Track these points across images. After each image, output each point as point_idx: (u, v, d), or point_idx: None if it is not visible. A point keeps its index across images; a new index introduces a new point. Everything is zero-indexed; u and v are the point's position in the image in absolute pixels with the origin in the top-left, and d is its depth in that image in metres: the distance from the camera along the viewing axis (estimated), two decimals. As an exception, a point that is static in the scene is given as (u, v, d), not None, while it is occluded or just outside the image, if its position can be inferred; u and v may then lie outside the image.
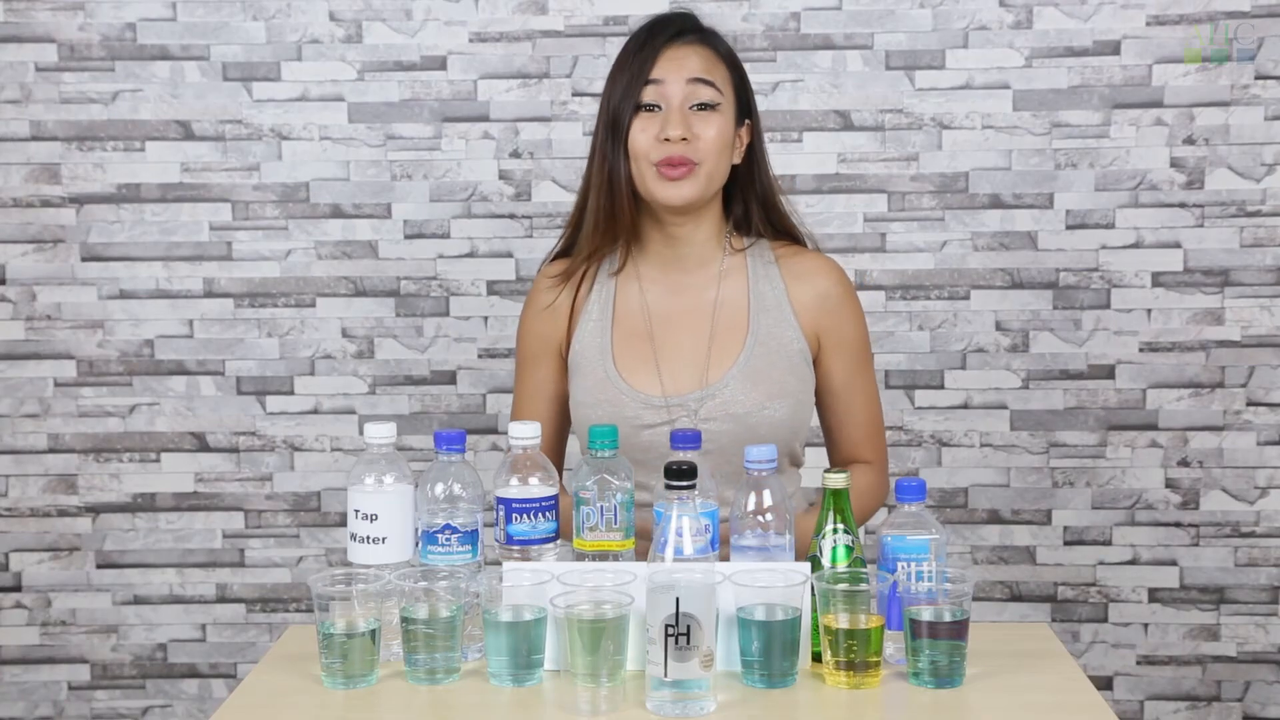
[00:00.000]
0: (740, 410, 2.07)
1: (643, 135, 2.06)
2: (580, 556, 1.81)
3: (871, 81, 3.19)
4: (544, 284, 2.20)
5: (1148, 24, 3.16)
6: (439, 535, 1.79)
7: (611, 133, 2.09)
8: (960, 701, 1.67)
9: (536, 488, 1.82)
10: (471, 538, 1.80)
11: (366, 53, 3.21)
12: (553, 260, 2.22)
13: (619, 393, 2.09)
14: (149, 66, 3.21)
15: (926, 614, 1.69)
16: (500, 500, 1.82)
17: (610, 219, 2.11)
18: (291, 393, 3.26)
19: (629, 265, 2.16)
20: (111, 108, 3.21)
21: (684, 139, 2.04)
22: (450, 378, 3.25)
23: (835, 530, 1.77)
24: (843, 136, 3.20)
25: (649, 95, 2.06)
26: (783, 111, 3.18)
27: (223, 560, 3.29)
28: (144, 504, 3.28)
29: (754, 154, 2.16)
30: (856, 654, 1.68)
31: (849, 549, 1.76)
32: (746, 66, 2.21)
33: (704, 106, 2.07)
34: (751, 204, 2.17)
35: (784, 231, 2.20)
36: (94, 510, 3.28)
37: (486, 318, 3.24)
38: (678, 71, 2.07)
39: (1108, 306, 3.20)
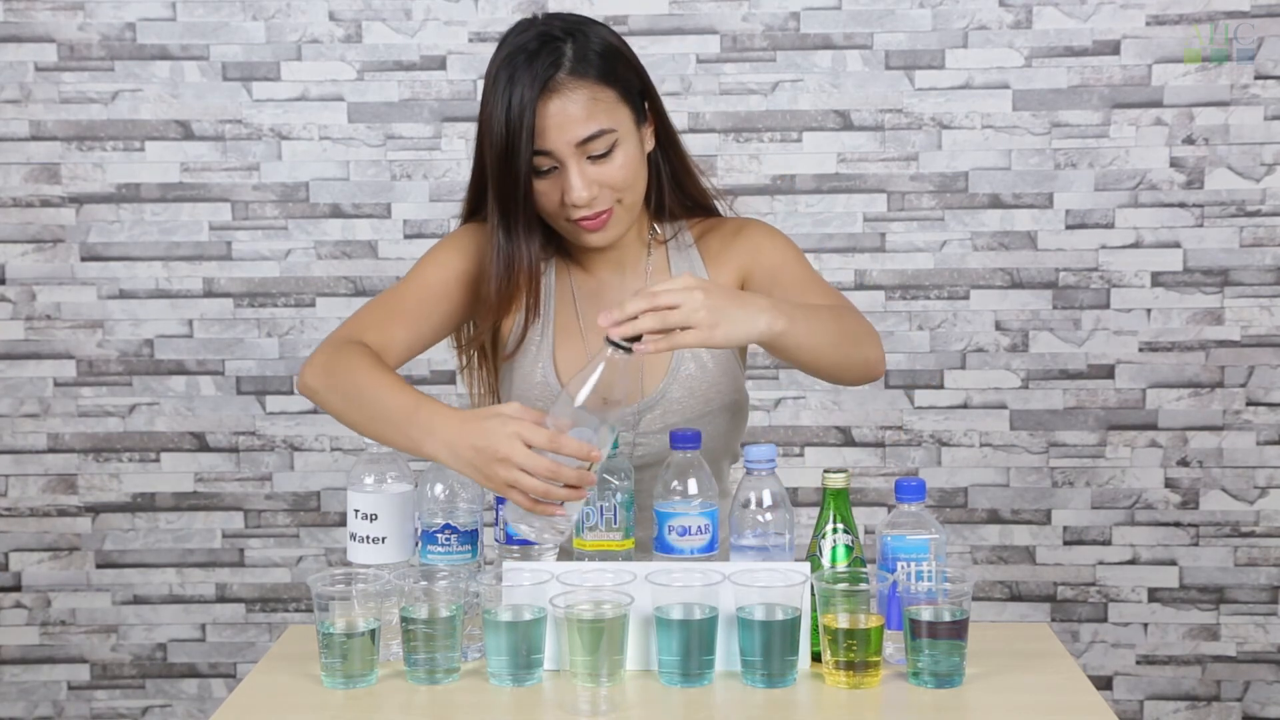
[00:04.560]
0: (679, 420, 1.99)
1: (546, 199, 1.92)
2: (580, 557, 1.81)
3: (871, 81, 3.19)
4: (478, 244, 2.00)
5: (1147, 24, 3.16)
6: (439, 535, 1.79)
7: (502, 208, 1.92)
8: (960, 701, 1.67)
9: (536, 488, 1.81)
10: (471, 538, 1.80)
11: (366, 53, 3.21)
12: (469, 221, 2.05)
13: None
14: (149, 66, 3.21)
15: (926, 614, 1.69)
16: (500, 500, 1.82)
17: (508, 299, 1.99)
18: (291, 393, 3.26)
19: (560, 261, 2.06)
20: (111, 108, 3.21)
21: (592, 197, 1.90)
22: (451, 378, 3.25)
23: (835, 530, 1.77)
24: (842, 136, 3.20)
25: (541, 163, 1.89)
26: (782, 111, 3.18)
27: (222, 560, 3.29)
28: (144, 504, 3.28)
29: (661, 135, 2.02)
30: (856, 654, 1.68)
31: (849, 549, 1.76)
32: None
33: (601, 152, 1.90)
34: (665, 181, 2.04)
35: (699, 204, 2.08)
36: (94, 510, 3.28)
37: (486, 318, 3.23)
38: (560, 135, 1.86)
39: (1107, 306, 3.20)
